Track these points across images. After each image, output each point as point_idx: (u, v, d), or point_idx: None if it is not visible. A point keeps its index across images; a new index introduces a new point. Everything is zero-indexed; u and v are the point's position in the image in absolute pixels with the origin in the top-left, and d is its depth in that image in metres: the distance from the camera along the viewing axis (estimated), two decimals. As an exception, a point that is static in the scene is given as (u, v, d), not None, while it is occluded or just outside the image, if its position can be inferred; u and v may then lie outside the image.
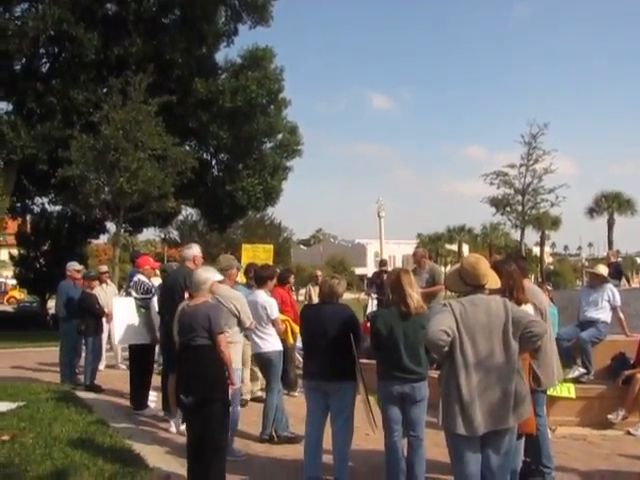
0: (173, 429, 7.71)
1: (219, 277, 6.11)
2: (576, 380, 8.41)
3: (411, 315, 5.44)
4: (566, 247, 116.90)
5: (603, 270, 9.03)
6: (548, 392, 6.32)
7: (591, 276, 9.24)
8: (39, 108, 21.22)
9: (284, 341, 8.08)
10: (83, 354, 11.36)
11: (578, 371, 8.56)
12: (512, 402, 4.41)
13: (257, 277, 7.93)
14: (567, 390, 8.16)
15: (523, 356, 4.95)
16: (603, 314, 8.73)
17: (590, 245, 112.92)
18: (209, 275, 5.90)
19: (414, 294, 5.51)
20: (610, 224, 52.40)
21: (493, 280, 4.74)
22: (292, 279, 11.36)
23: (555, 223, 45.60)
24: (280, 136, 25.73)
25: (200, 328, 5.56)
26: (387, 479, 5.50)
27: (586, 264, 73.21)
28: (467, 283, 4.62)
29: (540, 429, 5.77)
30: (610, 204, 52.40)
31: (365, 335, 6.69)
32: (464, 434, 4.34)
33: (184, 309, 5.75)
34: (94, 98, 20.71)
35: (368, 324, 7.94)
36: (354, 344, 5.66)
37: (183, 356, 5.67)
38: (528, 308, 5.29)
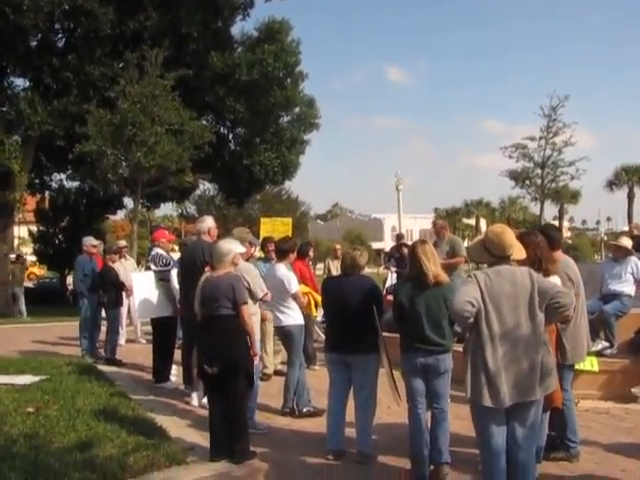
0: (195, 402, 7.71)
1: (241, 249, 6.10)
2: (599, 353, 8.29)
3: (429, 286, 5.37)
4: (584, 221, 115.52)
5: (627, 242, 8.89)
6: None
7: (614, 248, 9.09)
8: (55, 84, 21.21)
9: (305, 314, 8.04)
10: (103, 328, 11.43)
11: (601, 344, 8.47)
12: (539, 374, 4.35)
13: (278, 250, 7.88)
14: (590, 363, 8.03)
15: (550, 328, 4.89)
16: (627, 287, 8.60)
17: (609, 219, 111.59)
18: (231, 247, 5.91)
19: (431, 265, 5.42)
20: (630, 197, 51.91)
21: (518, 251, 4.66)
22: (312, 253, 11.32)
23: (574, 197, 45.15)
24: (297, 109, 25.57)
25: (224, 298, 5.58)
26: (410, 451, 5.46)
27: (605, 238, 72.67)
28: (492, 254, 4.55)
29: (566, 404, 5.70)
30: (630, 177, 51.85)
31: (386, 307, 6.64)
32: (490, 406, 4.30)
33: (207, 280, 5.77)
34: (110, 73, 20.65)
35: (389, 297, 7.88)
36: (377, 316, 5.62)
37: (206, 326, 5.68)
38: (555, 280, 5.19)
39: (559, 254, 5.90)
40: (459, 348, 5.70)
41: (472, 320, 4.35)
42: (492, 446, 4.38)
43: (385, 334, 5.88)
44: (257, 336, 6.69)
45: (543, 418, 5.16)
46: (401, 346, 5.51)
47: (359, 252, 5.98)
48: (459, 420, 6.16)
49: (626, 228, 55.17)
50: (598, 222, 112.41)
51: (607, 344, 8.50)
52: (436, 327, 5.33)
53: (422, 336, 5.31)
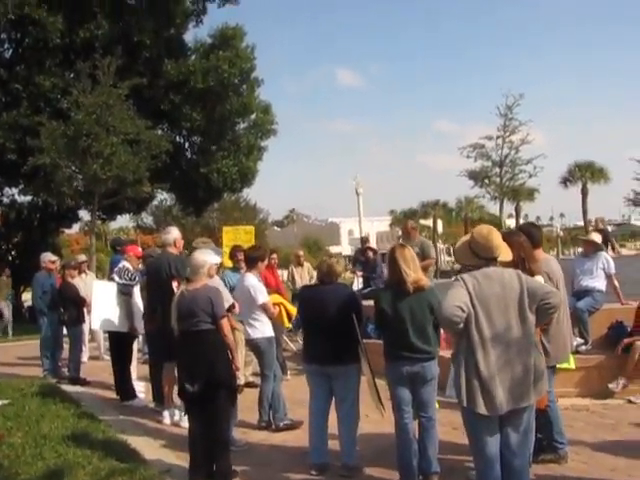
0: (167, 420, 7.44)
1: (216, 260, 5.90)
2: (574, 350, 8.23)
3: (409, 292, 5.21)
4: (538, 218, 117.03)
5: (597, 238, 8.88)
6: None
7: (585, 244, 9.07)
8: (4, 96, 20.70)
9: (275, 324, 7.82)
10: (65, 346, 11.06)
11: (576, 341, 8.38)
12: (532, 377, 4.23)
13: (247, 259, 7.64)
14: (567, 361, 8.02)
15: (536, 330, 4.76)
16: (598, 282, 8.58)
17: (562, 215, 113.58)
18: (207, 258, 5.76)
19: (410, 270, 5.27)
20: (584, 193, 52.67)
21: (505, 252, 4.54)
22: (275, 259, 11.15)
23: (531, 194, 45.68)
24: (254, 116, 25.33)
25: (202, 312, 5.39)
26: (398, 462, 5.29)
27: (561, 234, 73.86)
28: (479, 256, 4.41)
29: (550, 405, 5.61)
30: (583, 173, 52.65)
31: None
32: (485, 414, 4.15)
33: (183, 294, 5.56)
34: (62, 83, 20.23)
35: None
36: (357, 324, 5.44)
37: (185, 343, 5.47)
38: (539, 279, 5.07)
39: (540, 252, 5.81)
40: (444, 354, 5.58)
41: (462, 325, 4.20)
42: (487, 454, 4.23)
43: (366, 341, 5.71)
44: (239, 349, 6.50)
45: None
46: (385, 355, 5.34)
47: (335, 259, 5.82)
48: (443, 426, 6.01)
49: (580, 224, 56.12)
50: (552, 218, 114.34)
51: (582, 341, 8.47)
52: (421, 334, 5.18)
53: (407, 344, 5.15)
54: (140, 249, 10.10)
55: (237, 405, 6.32)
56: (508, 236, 5.05)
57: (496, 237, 4.40)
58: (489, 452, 4.23)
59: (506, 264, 4.55)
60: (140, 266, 9.22)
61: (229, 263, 10.11)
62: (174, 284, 7.09)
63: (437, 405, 5.52)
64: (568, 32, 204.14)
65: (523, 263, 5.05)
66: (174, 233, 7.96)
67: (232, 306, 6.80)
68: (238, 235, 15.27)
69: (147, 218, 48.63)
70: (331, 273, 5.73)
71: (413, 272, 5.28)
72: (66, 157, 18.81)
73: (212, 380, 5.28)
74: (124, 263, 9.05)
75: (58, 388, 9.53)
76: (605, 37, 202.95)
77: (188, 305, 5.45)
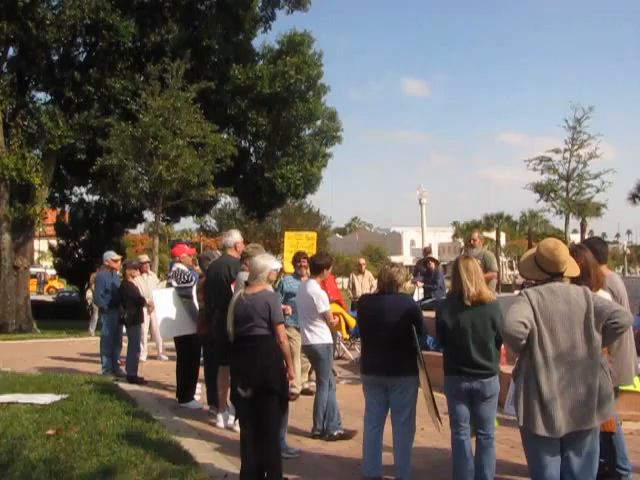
0: (221, 424, 7.41)
1: (277, 265, 5.84)
2: (641, 372, 7.94)
3: (472, 305, 5.06)
4: (604, 234, 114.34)
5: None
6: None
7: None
8: (77, 97, 21.10)
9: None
10: (124, 344, 11.20)
11: (643, 363, 8.10)
12: (596, 400, 4.06)
13: (312, 265, 7.56)
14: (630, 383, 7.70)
15: (604, 349, 4.56)
16: (669, 302, 8.27)
17: (629, 232, 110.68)
18: (267, 262, 5.65)
19: (472, 282, 5.12)
20: (653, 210, 51.27)
21: (572, 267, 4.38)
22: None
23: (598, 209, 44.55)
24: (319, 122, 25.27)
25: (259, 318, 5.33)
26: (453, 479, 5.14)
27: (628, 251, 71.94)
28: (545, 271, 4.26)
29: (616, 428, 5.37)
30: (653, 189, 51.22)
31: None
32: (545, 435, 3.98)
33: (241, 298, 5.49)
34: (131, 86, 20.53)
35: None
36: (416, 336, 5.31)
37: (239, 347, 5.41)
38: (605, 295, 4.87)
39: (605, 269, 5.58)
40: (504, 369, 5.41)
41: (524, 342, 4.05)
42: (546, 477, 4.07)
43: (425, 352, 5.58)
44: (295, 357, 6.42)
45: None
46: (444, 368, 5.21)
47: (397, 269, 5.66)
48: (501, 444, 5.84)
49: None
50: (618, 235, 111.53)
51: (650, 363, 8.12)
52: (482, 349, 5.03)
53: (468, 359, 5.01)
54: (187, 246, 10.03)
55: (288, 412, 6.23)
56: (573, 250, 4.87)
57: (563, 251, 4.24)
58: (548, 475, 4.09)
59: (572, 279, 4.39)
60: (197, 267, 9.24)
61: (290, 268, 10.07)
62: (233, 288, 7.07)
63: (496, 422, 5.36)
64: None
65: (587, 278, 4.86)
66: (235, 236, 7.92)
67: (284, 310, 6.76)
68: (300, 241, 15.27)
69: (210, 221, 49.16)
70: (392, 283, 5.59)
71: (476, 285, 5.13)
72: (133, 158, 19.09)
73: (265, 386, 5.22)
74: (178, 265, 9.07)
75: (115, 386, 9.63)
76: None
77: (245, 309, 5.40)
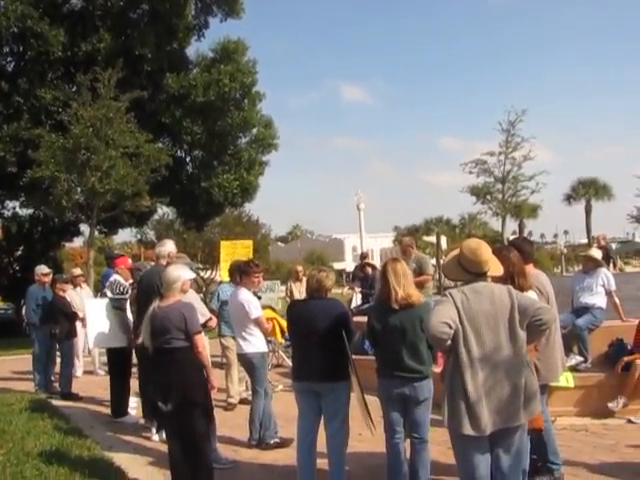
0: (155, 437, 7.28)
1: (191, 275, 5.75)
2: (573, 369, 8.08)
3: (398, 308, 5.06)
4: (542, 235, 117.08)
5: (597, 254, 8.74)
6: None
7: (585, 260, 8.92)
8: (5, 108, 20.60)
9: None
10: (58, 360, 10.92)
11: (575, 359, 8.28)
12: (522, 398, 4.08)
13: (240, 273, 7.51)
14: (565, 379, 7.81)
15: (530, 347, 4.61)
16: (598, 299, 8.45)
17: (566, 232, 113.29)
18: (180, 273, 5.59)
19: (400, 285, 5.12)
20: (588, 211, 52.61)
21: (495, 266, 4.39)
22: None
23: (534, 210, 45.44)
24: (255, 130, 25.19)
25: (175, 329, 5.24)
26: (388, 483, 5.13)
27: (565, 251, 73.60)
28: (468, 271, 4.27)
29: (544, 424, 5.43)
30: (587, 190, 52.62)
31: (354, 329, 6.32)
32: (472, 434, 3.99)
33: (155, 311, 5.41)
34: (62, 96, 20.10)
35: (355, 319, 7.56)
36: (346, 340, 5.28)
37: (157, 360, 5.32)
38: (531, 294, 4.93)
39: (531, 268, 5.64)
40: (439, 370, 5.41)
41: (449, 342, 4.05)
42: (476, 477, 4.08)
43: (357, 357, 5.56)
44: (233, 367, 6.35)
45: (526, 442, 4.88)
46: (377, 372, 5.20)
47: (325, 273, 5.61)
48: (437, 446, 5.85)
49: (584, 241, 55.97)
50: (556, 235, 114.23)
51: (581, 359, 8.33)
52: (414, 352, 5.03)
53: (399, 362, 5.01)
54: (129, 260, 9.95)
55: (215, 422, 6.12)
56: (498, 251, 4.91)
57: (485, 251, 4.26)
58: (478, 474, 4.09)
59: (496, 279, 4.42)
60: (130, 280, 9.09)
61: (227, 277, 9.97)
62: None
63: (430, 426, 5.36)
64: (571, 48, 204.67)
65: (513, 278, 4.91)
66: (168, 246, 7.82)
67: (208, 320, 6.69)
68: (236, 249, 15.19)
69: (149, 232, 48.41)
70: (320, 288, 5.54)
71: (404, 287, 5.13)
72: (65, 170, 18.68)
73: (186, 399, 5.13)
74: (115, 277, 8.92)
75: (48, 404, 9.40)
76: (610, 53, 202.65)
77: (161, 322, 5.31)
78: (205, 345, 5.60)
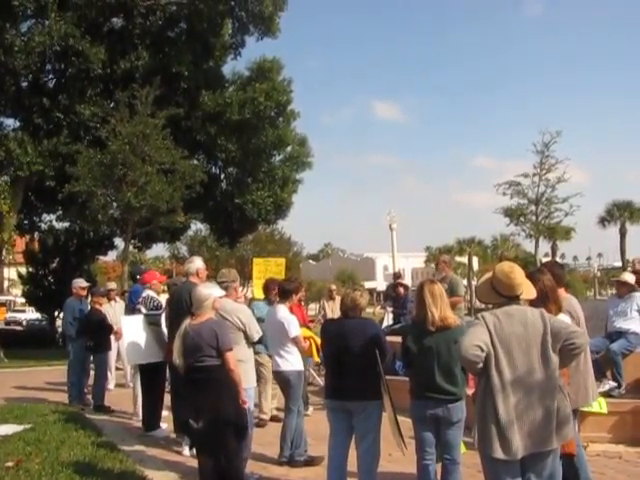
0: (186, 452, 7.32)
1: (220, 292, 5.83)
2: (607, 394, 8.00)
3: (434, 330, 5.08)
4: (575, 257, 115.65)
5: (630, 278, 8.64)
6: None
7: (618, 285, 8.83)
8: (46, 124, 21.03)
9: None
10: (92, 372, 11.06)
11: (608, 385, 8.18)
12: (555, 422, 4.05)
13: (281, 290, 7.56)
14: (598, 405, 7.74)
15: (562, 371, 4.59)
16: (633, 324, 8.33)
17: (600, 255, 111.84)
18: (210, 291, 5.66)
19: (436, 307, 5.14)
20: (622, 233, 51.88)
21: (528, 290, 4.40)
22: (303, 292, 11.06)
23: (568, 233, 45.05)
24: (289, 148, 25.42)
25: (207, 347, 5.29)
26: (418, 504, 5.13)
27: (598, 274, 72.61)
28: (501, 294, 4.28)
29: (576, 450, 5.39)
30: (622, 213, 51.94)
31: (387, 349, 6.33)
32: (502, 458, 3.98)
33: (186, 329, 5.46)
34: (101, 112, 20.50)
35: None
36: (380, 360, 5.30)
37: (190, 379, 5.36)
38: (565, 318, 4.92)
39: (562, 292, 5.63)
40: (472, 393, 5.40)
41: (481, 365, 4.06)
42: (506, 501, 4.05)
43: (388, 377, 5.57)
44: (250, 383, 6.38)
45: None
46: (410, 393, 5.21)
47: (359, 292, 5.64)
48: (466, 468, 5.82)
49: (618, 264, 55.16)
50: (589, 258, 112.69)
51: (615, 384, 8.21)
52: (447, 374, 5.04)
53: (433, 384, 5.03)
54: (158, 274, 10.04)
55: (248, 439, 6.16)
56: (532, 274, 4.92)
57: (518, 275, 4.27)
58: (509, 498, 4.06)
59: (530, 302, 4.43)
60: (165, 296, 9.19)
61: (260, 294, 10.02)
62: None
63: (463, 447, 5.35)
64: (610, 69, 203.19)
65: (546, 302, 4.90)
66: (197, 263, 7.90)
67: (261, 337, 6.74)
68: (269, 267, 15.23)
69: (182, 248, 48.85)
70: (355, 307, 5.57)
71: (440, 309, 5.15)
72: (101, 185, 19.05)
73: (218, 418, 5.17)
74: (148, 292, 9.02)
75: (81, 415, 9.51)
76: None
77: (193, 340, 5.36)
78: (242, 360, 5.62)
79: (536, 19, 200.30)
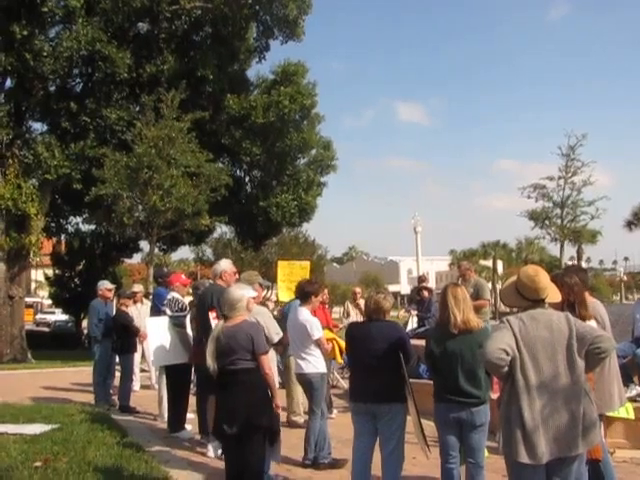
0: (211, 453, 7.36)
1: (253, 293, 5.82)
2: (634, 399, 7.91)
3: (457, 333, 5.07)
4: (601, 261, 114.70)
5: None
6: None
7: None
8: (73, 127, 21.23)
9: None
10: (117, 374, 11.16)
11: (635, 390, 8.08)
12: (581, 427, 4.03)
13: (300, 293, 7.56)
14: (625, 410, 7.66)
15: (589, 376, 4.56)
16: (660, 329, 8.24)
17: (626, 259, 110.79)
18: (243, 292, 5.58)
19: (459, 310, 5.13)
20: (649, 237, 51.31)
21: (553, 293, 4.39)
22: (326, 294, 11.04)
23: (594, 236, 44.67)
24: (314, 152, 25.47)
25: (242, 350, 5.22)
26: (442, 508, 5.12)
27: (624, 278, 71.84)
28: (525, 297, 4.27)
29: (602, 455, 5.35)
30: (650, 216, 51.31)
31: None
32: (528, 462, 3.97)
33: (221, 330, 5.39)
34: (127, 116, 20.72)
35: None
36: (404, 363, 5.31)
37: (223, 382, 5.31)
38: (591, 323, 4.89)
39: (587, 296, 5.59)
40: (496, 397, 5.38)
41: (506, 369, 4.05)
42: (531, 506, 4.03)
43: (413, 380, 5.57)
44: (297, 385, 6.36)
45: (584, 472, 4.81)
46: (434, 397, 5.20)
47: (383, 295, 5.65)
48: (490, 472, 5.80)
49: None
50: (615, 262, 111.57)
51: (642, 390, 8.11)
52: (471, 377, 5.03)
53: (456, 387, 5.02)
54: (183, 276, 10.10)
55: (279, 443, 6.18)
56: (558, 277, 4.89)
57: (543, 278, 4.26)
58: (534, 503, 4.05)
59: (555, 306, 4.41)
60: (189, 298, 9.24)
61: (284, 297, 10.02)
62: (211, 315, 7.09)
63: (486, 452, 5.34)
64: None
65: (572, 306, 4.88)
66: (222, 265, 7.88)
67: (282, 338, 6.75)
68: (293, 270, 15.20)
69: (207, 251, 49.01)
70: (378, 310, 5.59)
71: (463, 312, 5.14)
72: (127, 188, 19.22)
73: (251, 423, 5.12)
74: (173, 294, 9.07)
75: (107, 416, 9.58)
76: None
77: (227, 342, 5.28)
78: (272, 366, 5.61)
79: (561, 22, 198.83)
